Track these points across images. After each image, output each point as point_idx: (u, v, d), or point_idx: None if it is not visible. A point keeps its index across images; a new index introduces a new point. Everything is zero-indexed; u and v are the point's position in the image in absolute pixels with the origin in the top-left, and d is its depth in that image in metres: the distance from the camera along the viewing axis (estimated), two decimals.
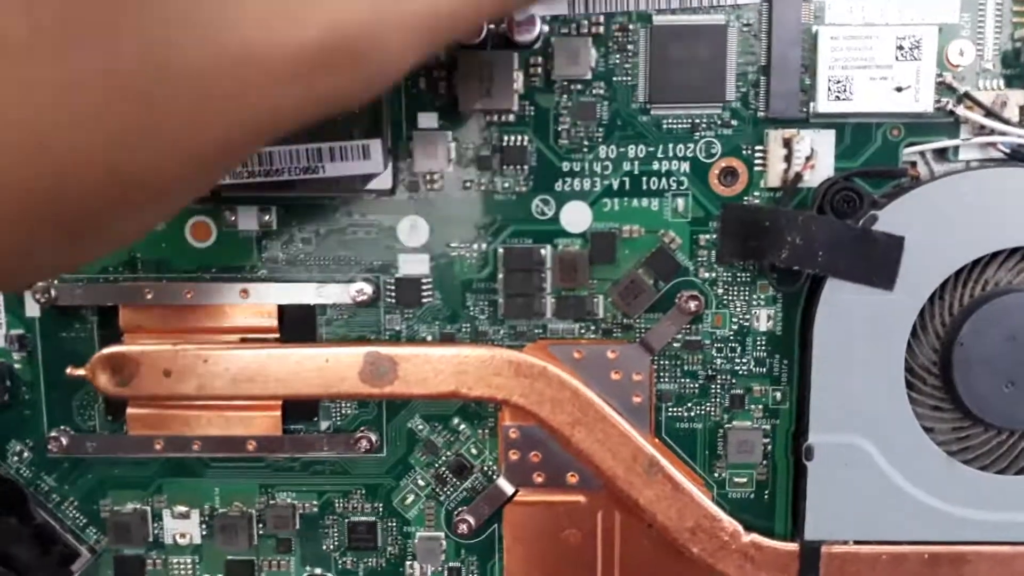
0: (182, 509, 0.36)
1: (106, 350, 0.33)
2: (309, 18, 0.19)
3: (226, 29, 0.18)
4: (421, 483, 0.35)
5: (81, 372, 0.33)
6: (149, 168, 0.18)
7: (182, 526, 0.36)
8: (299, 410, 0.34)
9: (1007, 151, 0.32)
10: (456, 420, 0.35)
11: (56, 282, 0.33)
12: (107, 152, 0.18)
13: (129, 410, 0.34)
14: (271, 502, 0.35)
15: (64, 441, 0.34)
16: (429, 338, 0.34)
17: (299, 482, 0.35)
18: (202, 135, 0.18)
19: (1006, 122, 0.31)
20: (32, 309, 0.34)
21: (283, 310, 0.33)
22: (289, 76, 0.19)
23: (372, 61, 0.20)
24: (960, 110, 0.31)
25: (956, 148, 0.32)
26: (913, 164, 0.32)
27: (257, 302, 0.33)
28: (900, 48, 0.31)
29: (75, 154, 0.17)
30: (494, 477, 0.35)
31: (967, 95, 0.31)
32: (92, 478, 0.35)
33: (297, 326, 0.34)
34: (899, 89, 0.31)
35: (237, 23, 0.18)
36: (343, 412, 0.35)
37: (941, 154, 0.32)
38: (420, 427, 0.35)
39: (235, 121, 0.19)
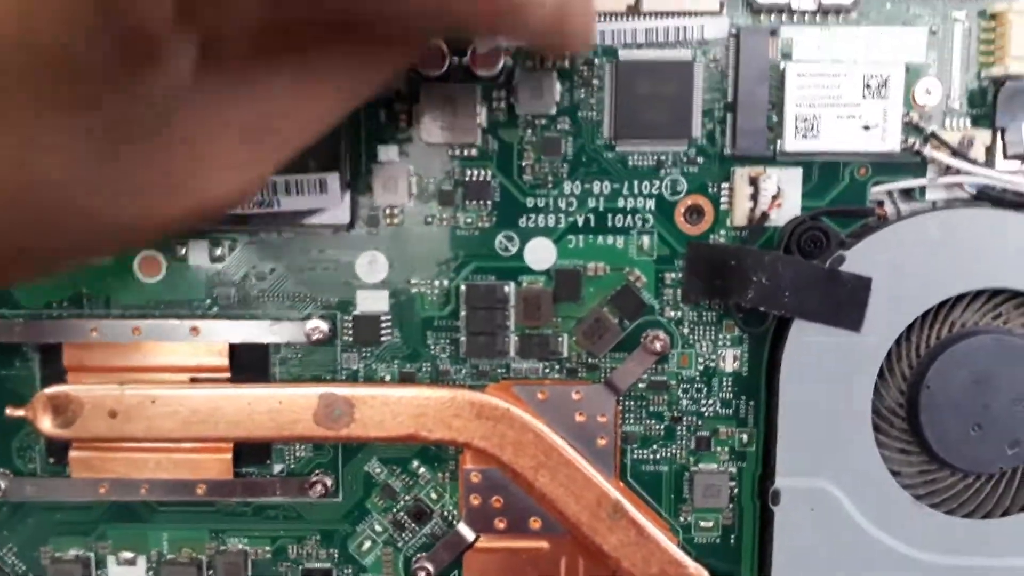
0: (128, 555, 0.34)
1: (49, 390, 0.31)
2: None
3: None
4: (378, 528, 0.34)
5: (21, 413, 0.31)
6: None
7: (127, 573, 0.34)
8: (251, 452, 0.33)
9: (973, 191, 0.32)
10: (415, 463, 0.34)
11: None
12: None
13: (72, 452, 0.32)
14: (222, 548, 0.34)
15: (2, 484, 0.33)
16: (388, 378, 0.33)
17: (251, 527, 0.34)
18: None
19: (972, 162, 0.31)
20: None
21: (235, 349, 0.32)
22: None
23: None
24: (927, 150, 0.31)
25: (923, 188, 0.32)
26: (880, 203, 0.32)
27: (208, 340, 0.32)
28: (867, 86, 0.31)
29: None
30: (454, 522, 0.34)
31: (934, 135, 0.31)
32: (32, 523, 0.34)
33: (250, 365, 0.32)
34: (866, 128, 0.31)
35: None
36: (297, 455, 0.33)
37: (908, 193, 0.32)
38: (378, 470, 0.34)
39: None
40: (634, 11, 0.30)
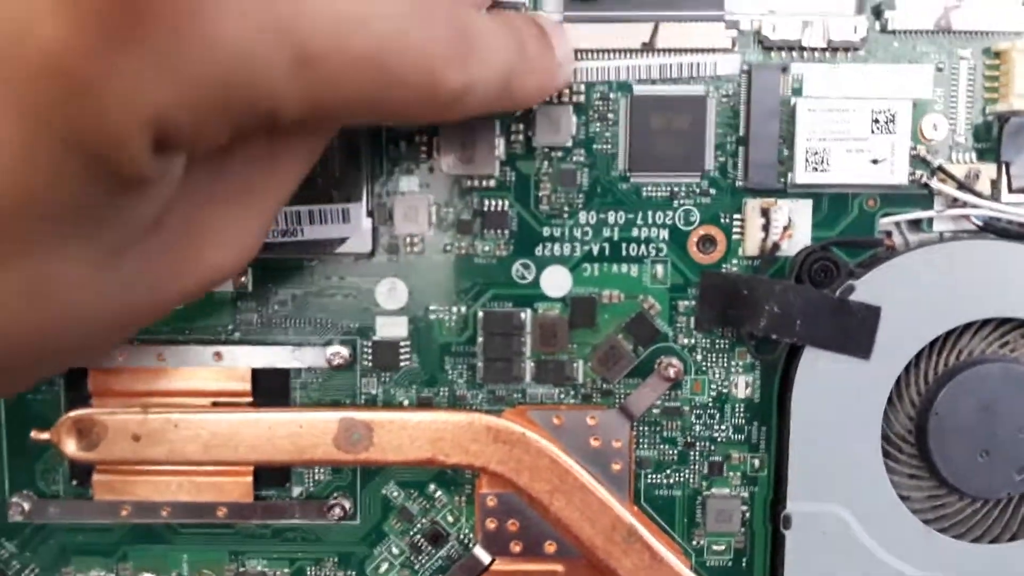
0: None
1: (73, 413, 0.32)
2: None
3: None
4: (396, 551, 0.34)
5: (46, 436, 0.32)
6: None
7: None
8: (271, 475, 0.34)
9: (979, 223, 0.32)
10: (432, 487, 0.34)
11: None
12: None
13: (95, 475, 0.33)
14: (241, 570, 0.34)
15: (26, 506, 0.33)
16: (406, 402, 0.33)
17: (270, 549, 0.34)
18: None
19: (978, 195, 0.32)
20: None
21: (257, 373, 0.33)
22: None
23: None
24: (934, 183, 0.32)
25: (930, 220, 0.33)
26: (889, 234, 0.33)
27: (231, 365, 0.32)
28: (876, 121, 0.31)
29: None
30: (471, 546, 0.34)
31: (940, 168, 0.32)
32: (55, 545, 0.34)
33: (271, 390, 0.33)
34: (875, 161, 0.32)
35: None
36: (316, 478, 0.34)
37: (916, 225, 0.33)
38: (395, 494, 0.34)
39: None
40: (649, 48, 0.31)
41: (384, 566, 0.35)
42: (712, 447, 0.34)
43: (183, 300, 0.23)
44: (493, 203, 0.32)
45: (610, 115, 0.32)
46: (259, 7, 0.17)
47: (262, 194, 0.23)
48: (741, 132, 0.32)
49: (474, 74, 0.22)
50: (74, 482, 0.34)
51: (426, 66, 0.21)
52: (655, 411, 0.33)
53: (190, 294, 0.23)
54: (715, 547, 0.34)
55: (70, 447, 0.32)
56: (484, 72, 0.23)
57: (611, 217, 0.33)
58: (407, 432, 0.32)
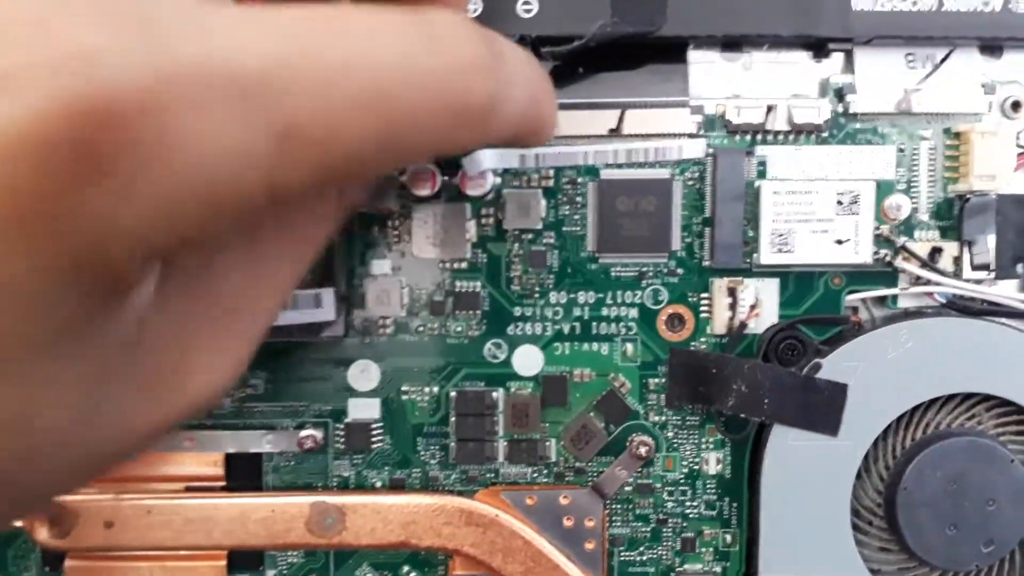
0: None
1: None
2: None
3: None
4: None
5: (19, 523, 0.32)
6: None
7: None
8: (245, 559, 0.33)
9: (943, 300, 0.33)
10: (406, 568, 0.34)
11: None
12: None
13: (67, 562, 0.33)
14: None
15: None
16: (379, 484, 0.33)
17: None
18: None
19: (941, 272, 0.33)
20: None
21: (229, 457, 0.33)
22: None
23: None
24: (898, 261, 0.33)
25: (895, 297, 0.33)
26: (855, 310, 0.33)
27: (203, 451, 0.32)
28: (840, 203, 0.32)
29: None
30: None
31: (904, 247, 0.33)
32: None
33: (243, 473, 0.33)
34: (839, 241, 0.32)
35: None
36: (290, 561, 0.34)
37: (881, 301, 0.33)
38: None
39: None
40: (615, 133, 0.32)
41: None
42: (684, 523, 0.34)
43: (164, 431, 0.21)
44: (465, 285, 0.33)
45: (578, 198, 0.32)
46: (224, 100, 0.16)
47: (254, 301, 0.22)
48: (707, 213, 0.32)
49: (505, 85, 0.20)
50: (47, 568, 0.34)
51: (448, 84, 0.19)
52: (627, 488, 0.34)
53: (174, 420, 0.21)
54: None
55: (42, 534, 0.32)
56: (514, 86, 0.21)
57: (581, 297, 0.33)
58: (379, 516, 0.32)
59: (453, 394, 0.33)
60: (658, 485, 0.34)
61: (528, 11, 0.30)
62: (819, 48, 0.32)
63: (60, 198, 0.15)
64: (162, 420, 0.21)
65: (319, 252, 0.23)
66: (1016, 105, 0.33)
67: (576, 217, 0.33)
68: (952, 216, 0.33)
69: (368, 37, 0.18)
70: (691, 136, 0.32)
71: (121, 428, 0.20)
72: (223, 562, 0.33)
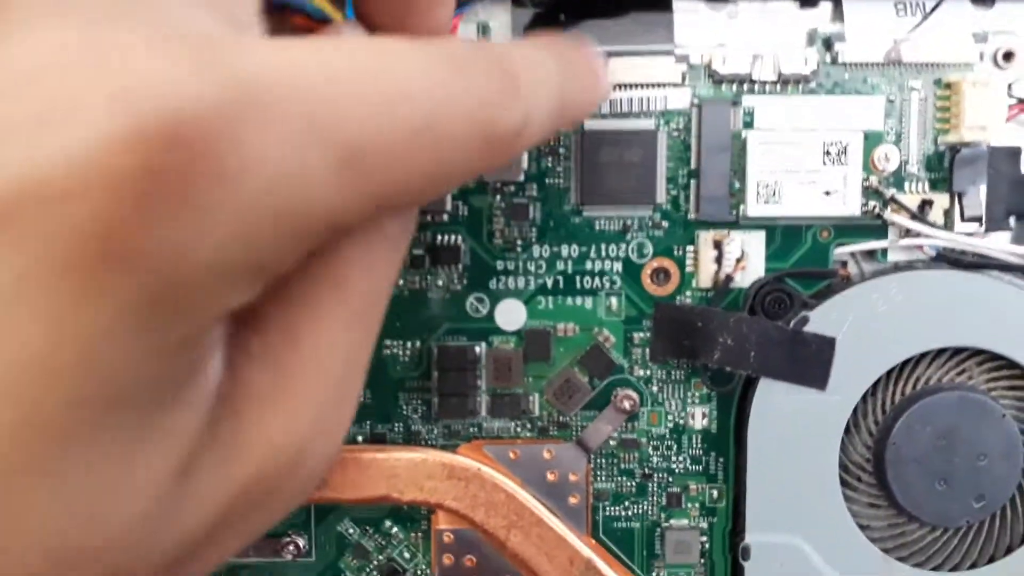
0: None
1: None
2: None
3: None
4: None
5: None
6: None
7: None
8: None
9: (933, 253, 0.32)
10: (388, 523, 0.34)
11: None
12: None
13: None
14: None
15: None
16: (360, 439, 0.33)
17: None
18: None
19: (931, 225, 0.32)
20: None
21: None
22: None
23: None
24: (887, 214, 0.32)
25: (884, 250, 0.33)
26: (844, 264, 0.33)
27: None
28: (827, 153, 0.31)
29: None
30: None
31: (893, 199, 0.32)
32: None
33: None
34: (827, 193, 0.32)
35: None
36: None
37: (870, 255, 0.33)
38: (350, 531, 0.34)
39: None
40: None
41: None
42: (670, 479, 0.34)
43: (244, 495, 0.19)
44: (446, 238, 0.32)
45: (561, 150, 0.32)
46: (291, 120, 0.16)
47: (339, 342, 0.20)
48: (692, 165, 0.32)
49: (529, 104, 0.20)
50: None
51: (478, 115, 0.19)
52: (612, 443, 0.33)
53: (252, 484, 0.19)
54: None
55: None
56: (537, 99, 0.21)
57: (564, 250, 0.32)
58: (360, 469, 0.32)
59: (435, 349, 0.33)
60: (643, 440, 0.33)
61: None
62: None
63: (139, 231, 0.14)
64: (229, 499, 0.18)
65: (392, 287, 0.22)
66: (1008, 55, 0.32)
67: (559, 169, 0.32)
68: (942, 168, 0.32)
69: (419, 67, 0.18)
70: (676, 86, 0.31)
71: (205, 536, 0.18)
72: None
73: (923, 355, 0.32)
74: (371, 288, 0.20)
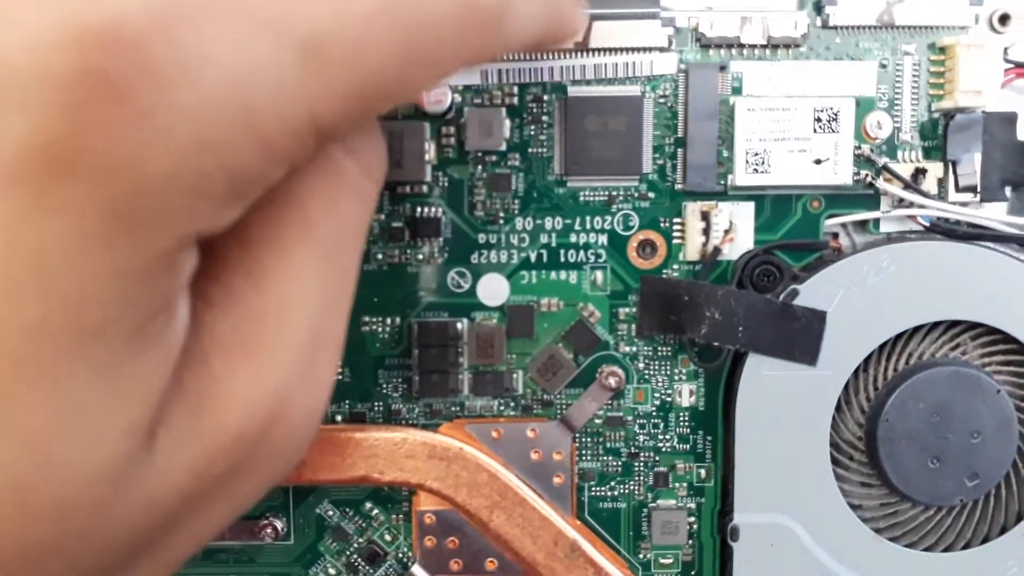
0: None
1: None
2: None
3: None
4: (332, 572, 0.33)
5: None
6: None
7: None
8: None
9: (926, 224, 0.31)
10: (368, 505, 0.33)
11: None
12: None
13: None
14: None
15: None
16: (339, 418, 0.32)
17: (202, 571, 0.33)
18: None
19: (925, 195, 0.31)
20: None
21: None
22: None
23: None
24: (879, 183, 0.31)
25: (877, 221, 0.32)
26: (835, 235, 0.32)
27: None
28: (818, 120, 0.30)
29: None
30: (409, 565, 0.33)
31: (886, 168, 0.31)
32: None
33: None
34: (818, 161, 0.31)
35: None
36: None
37: (862, 226, 0.32)
38: (330, 513, 0.33)
39: None
40: (582, 47, 0.30)
41: None
42: (657, 457, 0.33)
43: (215, 468, 0.18)
44: (425, 210, 0.31)
45: (544, 117, 0.31)
46: (236, 12, 0.15)
47: (310, 298, 0.19)
48: (679, 133, 0.31)
49: None
50: None
51: None
52: (597, 421, 0.32)
53: (225, 454, 0.18)
54: (662, 560, 0.33)
55: None
56: None
57: (548, 223, 0.31)
58: (339, 449, 0.31)
59: (415, 325, 0.32)
60: (629, 418, 0.32)
61: None
62: None
63: (85, 135, 0.14)
64: (204, 460, 0.17)
65: (363, 243, 0.21)
66: (1004, 18, 0.31)
67: (542, 138, 0.31)
68: (936, 136, 0.31)
69: None
70: (662, 50, 0.30)
71: (163, 477, 0.17)
72: None
73: (916, 329, 0.31)
74: (337, 227, 0.19)
